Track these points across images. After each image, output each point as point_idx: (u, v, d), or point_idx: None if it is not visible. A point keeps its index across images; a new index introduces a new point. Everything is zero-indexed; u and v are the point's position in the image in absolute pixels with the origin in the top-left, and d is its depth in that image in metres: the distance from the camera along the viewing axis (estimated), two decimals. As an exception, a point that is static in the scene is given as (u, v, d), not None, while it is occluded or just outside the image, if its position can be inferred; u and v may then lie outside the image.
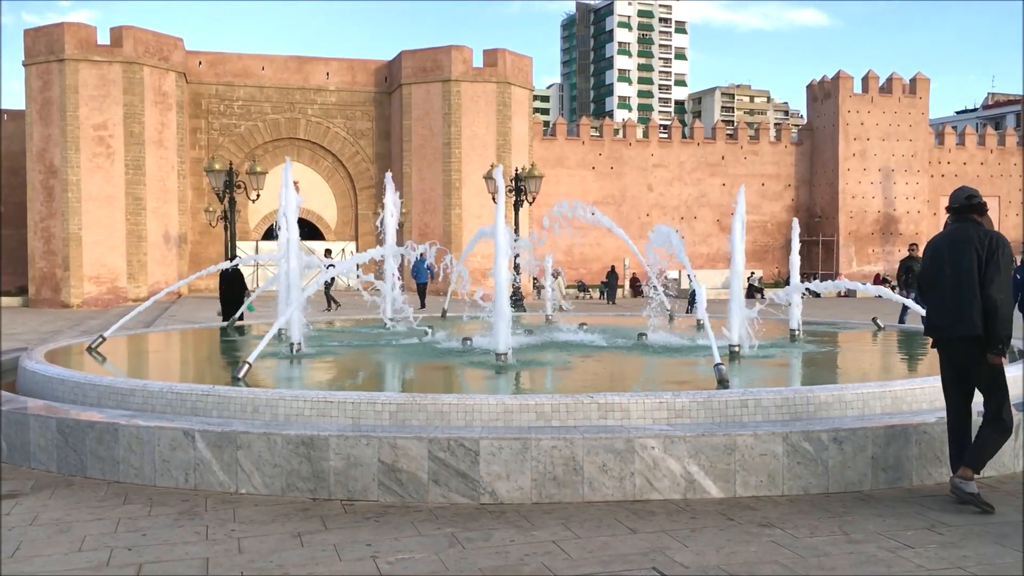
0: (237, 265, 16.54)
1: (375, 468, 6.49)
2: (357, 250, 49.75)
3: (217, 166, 26.45)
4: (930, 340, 6.82)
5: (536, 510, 6.25)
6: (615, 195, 56.09)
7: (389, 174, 18.33)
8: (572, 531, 5.78)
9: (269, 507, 6.35)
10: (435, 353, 11.48)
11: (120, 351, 12.73)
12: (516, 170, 32.76)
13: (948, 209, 6.80)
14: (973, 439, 6.49)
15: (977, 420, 6.62)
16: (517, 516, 6.11)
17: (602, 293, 47.43)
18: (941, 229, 6.95)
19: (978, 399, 6.63)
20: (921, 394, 7.83)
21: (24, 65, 43.18)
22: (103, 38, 43.15)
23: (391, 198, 16.40)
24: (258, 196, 29.04)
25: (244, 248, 43.21)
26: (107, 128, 42.78)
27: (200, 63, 49.02)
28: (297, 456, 6.61)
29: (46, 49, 42.52)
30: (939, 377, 6.87)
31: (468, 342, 11.83)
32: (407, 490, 6.46)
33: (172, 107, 45.40)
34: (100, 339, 12.29)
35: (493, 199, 11.44)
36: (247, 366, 8.72)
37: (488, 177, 32.01)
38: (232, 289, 18.73)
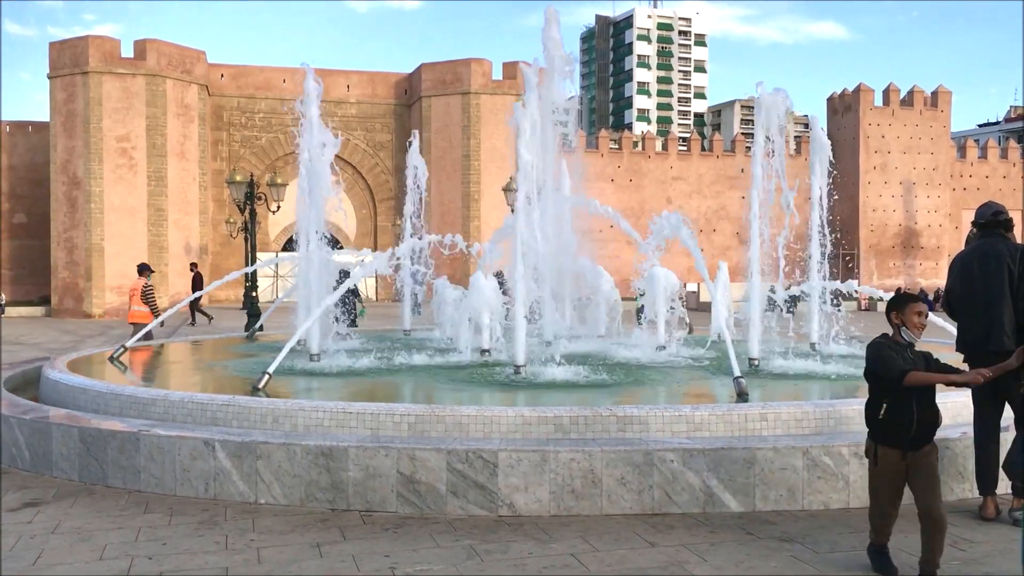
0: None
1: (393, 479, 6.50)
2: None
3: (238, 178, 26.66)
4: (962, 356, 6.75)
5: (554, 522, 6.24)
6: (634, 207, 56.01)
7: (415, 138, 17.89)
8: (590, 544, 5.76)
9: (288, 517, 6.37)
10: (453, 364, 11.49)
11: (141, 361, 12.82)
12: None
13: (974, 224, 6.75)
14: (1009, 461, 6.41)
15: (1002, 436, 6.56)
16: (535, 528, 6.10)
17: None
18: (964, 243, 6.91)
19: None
20: (943, 410, 7.74)
21: (49, 78, 43.69)
22: (127, 51, 43.62)
23: (415, 161, 16.35)
24: (278, 208, 29.21)
25: (263, 259, 43.44)
26: (130, 140, 43.19)
27: (222, 76, 49.45)
28: (316, 467, 6.63)
29: (71, 62, 43.03)
30: (960, 392, 6.81)
31: (486, 353, 11.83)
32: (425, 501, 6.46)
33: (194, 119, 45.80)
34: (122, 349, 12.39)
35: (512, 210, 11.40)
36: (267, 376, 8.76)
37: (507, 189, 32.07)
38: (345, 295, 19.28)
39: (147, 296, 17.37)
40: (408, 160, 16.84)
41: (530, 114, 10.23)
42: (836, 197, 12.85)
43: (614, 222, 13.64)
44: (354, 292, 19.88)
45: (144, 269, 18.12)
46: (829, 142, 13.46)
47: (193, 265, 34.55)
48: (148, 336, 16.33)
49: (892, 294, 5.46)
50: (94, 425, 7.56)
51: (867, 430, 5.29)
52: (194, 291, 29.31)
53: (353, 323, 20.08)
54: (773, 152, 10.77)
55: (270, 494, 6.71)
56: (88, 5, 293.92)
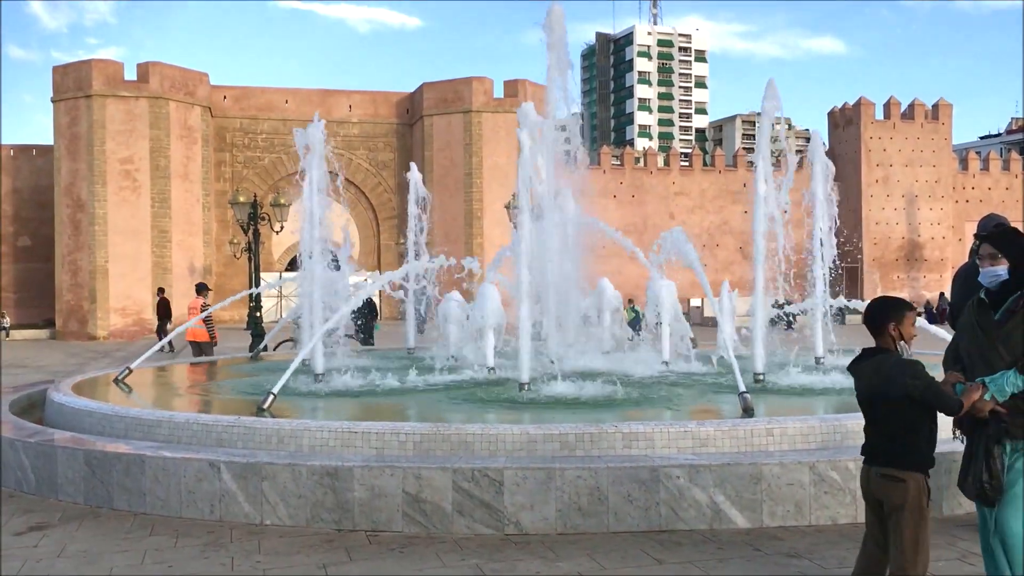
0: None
1: (399, 499, 6.48)
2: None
3: (241, 198, 26.71)
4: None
5: (561, 541, 6.21)
6: (637, 223, 56.06)
7: (413, 166, 18.25)
8: (598, 562, 5.74)
9: (294, 538, 6.35)
10: (459, 382, 11.47)
11: (146, 382, 12.82)
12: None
13: (976, 236, 6.74)
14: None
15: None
16: (542, 547, 6.07)
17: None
18: (967, 255, 6.90)
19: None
20: (947, 423, 7.71)
21: (53, 101, 43.93)
22: (130, 74, 43.88)
23: (415, 185, 16.63)
24: (282, 228, 29.24)
25: (267, 279, 43.52)
26: (133, 162, 43.37)
27: (225, 97, 49.70)
28: (322, 487, 6.61)
29: (74, 85, 43.27)
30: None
31: (491, 371, 11.82)
32: (431, 521, 6.44)
33: (197, 141, 45.99)
34: (127, 371, 12.39)
35: (515, 227, 11.43)
36: (272, 397, 8.75)
37: (509, 207, 32.11)
38: (364, 314, 20.56)
39: (204, 314, 18.32)
40: (410, 200, 17.09)
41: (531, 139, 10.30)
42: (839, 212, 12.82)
43: (622, 245, 13.66)
44: (371, 309, 20.75)
45: (202, 288, 19.14)
46: (833, 167, 13.49)
47: (160, 290, 33.63)
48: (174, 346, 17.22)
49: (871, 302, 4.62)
50: (99, 448, 7.55)
51: (904, 466, 4.43)
52: (160, 317, 30.82)
53: (369, 339, 20.77)
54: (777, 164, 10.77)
55: (275, 515, 6.69)
56: (91, 29, 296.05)
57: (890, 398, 4.39)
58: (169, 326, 30.09)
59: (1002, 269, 4.44)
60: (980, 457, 4.38)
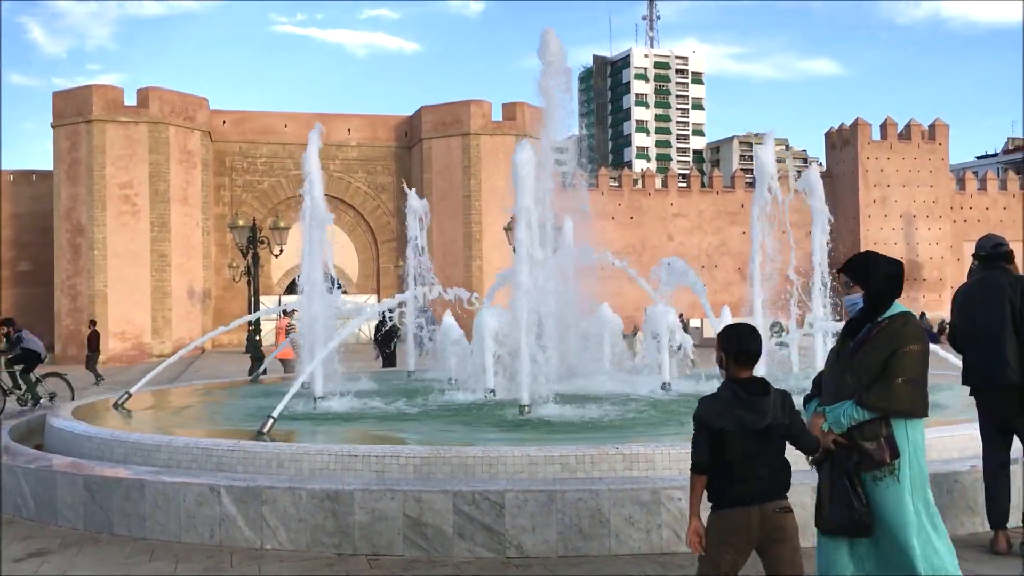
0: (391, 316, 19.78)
1: (400, 522, 6.46)
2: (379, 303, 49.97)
3: (240, 222, 26.83)
4: (968, 389, 6.71)
5: (562, 563, 6.18)
6: (635, 245, 56.15)
7: (412, 193, 18.30)
8: (600, 585, 5.71)
9: (294, 563, 6.33)
10: (458, 404, 11.46)
11: (146, 407, 12.78)
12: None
13: (975, 257, 6.75)
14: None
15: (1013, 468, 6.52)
16: (543, 570, 6.05)
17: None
18: (967, 275, 6.90)
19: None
20: (951, 443, 7.72)
21: (53, 127, 44.11)
22: (130, 99, 44.08)
23: (414, 208, 16.84)
24: (281, 251, 29.33)
25: (266, 302, 43.49)
26: (133, 187, 43.49)
27: (224, 122, 49.89)
28: (322, 511, 6.59)
29: (74, 111, 43.46)
30: (968, 425, 6.77)
31: (491, 393, 11.80)
32: (432, 544, 6.42)
33: (197, 165, 46.14)
34: (126, 395, 12.36)
35: (514, 250, 11.47)
36: (271, 420, 8.74)
37: (509, 229, 32.16)
38: (387, 335, 21.86)
39: (289, 334, 19.23)
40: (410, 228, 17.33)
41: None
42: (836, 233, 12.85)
43: (628, 273, 13.74)
44: (393, 330, 21.58)
45: (289, 310, 20.79)
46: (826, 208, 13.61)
47: (92, 323, 32.94)
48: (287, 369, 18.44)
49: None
50: (99, 473, 7.53)
51: (786, 494, 4.49)
52: (90, 349, 31.56)
53: (391, 361, 21.75)
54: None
55: (276, 539, 6.67)
56: (91, 55, 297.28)
57: (780, 430, 4.37)
58: (101, 358, 31.18)
59: (857, 296, 4.53)
60: (846, 488, 4.37)
